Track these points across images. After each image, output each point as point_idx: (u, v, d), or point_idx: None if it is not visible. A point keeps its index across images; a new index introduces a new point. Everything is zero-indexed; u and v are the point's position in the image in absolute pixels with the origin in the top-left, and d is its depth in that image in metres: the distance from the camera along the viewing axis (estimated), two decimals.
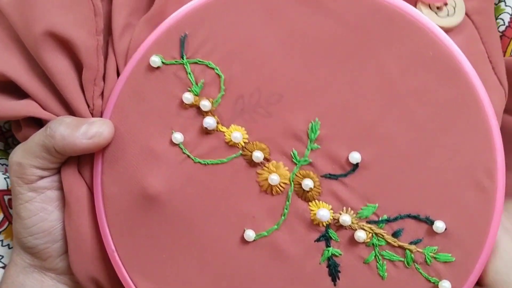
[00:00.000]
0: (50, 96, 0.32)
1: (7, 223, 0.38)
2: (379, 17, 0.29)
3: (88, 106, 0.32)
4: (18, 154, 0.31)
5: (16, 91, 0.33)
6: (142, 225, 0.31)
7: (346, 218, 0.29)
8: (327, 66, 0.29)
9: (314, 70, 0.30)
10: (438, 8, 0.29)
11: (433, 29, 0.29)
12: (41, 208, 0.31)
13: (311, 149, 0.30)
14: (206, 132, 0.30)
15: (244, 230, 0.30)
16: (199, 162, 0.30)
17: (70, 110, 0.32)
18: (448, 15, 0.29)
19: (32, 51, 0.31)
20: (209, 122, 0.30)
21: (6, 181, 0.38)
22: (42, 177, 0.31)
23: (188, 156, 0.30)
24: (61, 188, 0.32)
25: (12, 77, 0.32)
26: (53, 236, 0.32)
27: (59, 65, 0.31)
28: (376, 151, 0.29)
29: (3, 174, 0.38)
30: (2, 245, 0.37)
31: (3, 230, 0.37)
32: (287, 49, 0.30)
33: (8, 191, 0.37)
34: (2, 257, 0.37)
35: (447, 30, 0.29)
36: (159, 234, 0.30)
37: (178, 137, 0.30)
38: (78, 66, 0.32)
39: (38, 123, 0.34)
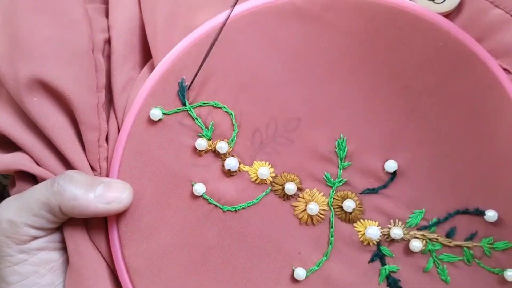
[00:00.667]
0: (44, 150, 0.29)
1: None
2: (380, 19, 0.28)
3: (94, 170, 0.29)
4: (10, 210, 0.27)
5: (10, 144, 0.29)
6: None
7: (397, 231, 0.27)
8: (339, 80, 0.28)
9: (326, 87, 0.28)
10: None
11: (436, 18, 0.28)
12: (32, 271, 0.27)
13: (343, 168, 0.28)
14: (228, 175, 0.28)
15: (293, 269, 0.28)
16: (229, 210, 0.28)
17: (69, 167, 0.29)
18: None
19: (20, 103, 0.28)
20: (231, 163, 0.28)
21: None
22: (36, 238, 0.27)
23: (216, 206, 0.28)
24: (56, 249, 0.28)
25: (3, 130, 0.28)
26: None
27: (53, 119, 0.28)
28: (409, 154, 0.28)
29: None
30: None
31: None
32: (294, 70, 0.28)
33: None
34: None
35: (447, 15, 0.29)
36: None
37: (199, 188, 0.28)
38: (75, 122, 0.29)
39: (34, 179, 0.30)
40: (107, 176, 0.29)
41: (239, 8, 0.28)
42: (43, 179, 0.28)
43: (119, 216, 0.28)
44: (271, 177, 0.28)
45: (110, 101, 0.30)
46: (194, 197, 0.28)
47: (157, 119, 0.28)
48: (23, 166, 0.28)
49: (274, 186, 0.28)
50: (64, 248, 0.29)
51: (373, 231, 0.27)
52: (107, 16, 0.31)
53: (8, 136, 0.28)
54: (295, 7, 0.28)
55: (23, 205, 0.27)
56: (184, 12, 0.29)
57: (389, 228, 0.28)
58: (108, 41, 0.30)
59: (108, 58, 0.30)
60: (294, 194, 0.28)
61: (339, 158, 0.28)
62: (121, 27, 0.29)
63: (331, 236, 0.28)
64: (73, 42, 0.28)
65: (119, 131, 0.29)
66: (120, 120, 0.29)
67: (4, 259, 0.27)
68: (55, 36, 0.28)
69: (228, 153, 0.28)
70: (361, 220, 0.28)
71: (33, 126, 0.29)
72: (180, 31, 0.29)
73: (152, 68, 0.29)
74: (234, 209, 0.28)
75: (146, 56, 0.30)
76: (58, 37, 0.28)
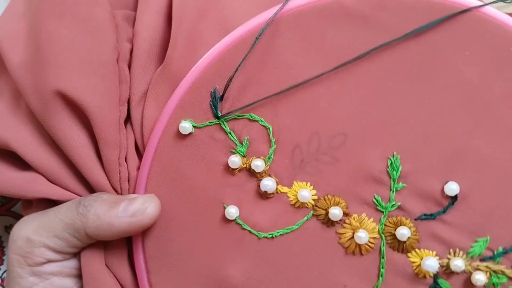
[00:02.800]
0: (63, 170, 0.27)
1: None
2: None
3: (116, 191, 0.26)
4: (29, 227, 0.25)
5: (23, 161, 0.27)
6: None
7: (459, 263, 0.24)
8: (393, 90, 0.25)
9: (377, 98, 0.25)
10: None
11: (505, 20, 0.24)
12: None
13: (396, 190, 0.25)
14: (265, 197, 0.25)
15: None
16: (265, 237, 0.25)
17: (90, 188, 0.27)
18: None
19: (39, 116, 0.26)
20: (268, 184, 0.24)
21: None
22: (50, 261, 0.25)
23: (250, 232, 0.25)
24: (71, 275, 0.26)
25: (16, 148, 0.26)
26: None
27: (72, 135, 0.26)
28: (472, 175, 0.24)
29: None
30: None
31: None
32: (340, 79, 0.25)
33: None
34: None
35: None
36: None
37: (232, 211, 0.25)
38: (94, 137, 0.26)
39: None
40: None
41: (278, 9, 0.25)
42: (64, 201, 0.26)
43: (146, 240, 0.26)
44: (313, 200, 0.25)
45: (128, 114, 0.27)
46: (226, 221, 0.25)
47: (187, 132, 0.25)
48: (40, 193, 0.26)
49: (316, 210, 0.25)
50: (79, 276, 0.27)
51: (431, 263, 0.24)
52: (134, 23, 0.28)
53: (24, 158, 0.26)
54: (343, 7, 0.25)
55: (46, 224, 0.25)
56: (216, 7, 0.27)
57: (449, 259, 0.24)
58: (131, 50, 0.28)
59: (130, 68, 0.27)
60: (339, 219, 0.25)
61: (391, 179, 0.24)
62: (144, 36, 0.27)
63: (382, 268, 0.24)
64: (95, 51, 0.26)
65: (136, 145, 0.27)
66: (137, 134, 0.27)
67: (14, 281, 0.25)
68: (76, 43, 0.26)
69: (265, 172, 0.25)
70: (416, 250, 0.24)
71: (54, 144, 0.26)
72: (210, 28, 0.26)
73: (164, 75, 0.26)
74: (270, 236, 0.25)
75: None
76: (80, 45, 0.26)
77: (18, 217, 0.35)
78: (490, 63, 0.24)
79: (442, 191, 0.24)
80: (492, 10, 0.24)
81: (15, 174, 0.27)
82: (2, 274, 0.35)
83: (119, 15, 0.28)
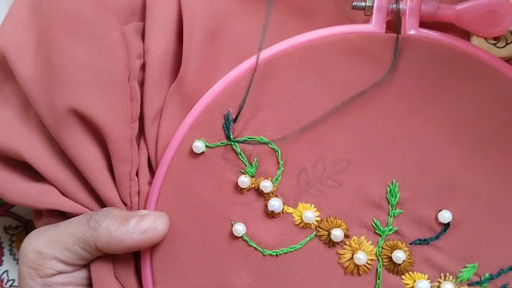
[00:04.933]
0: (74, 183, 0.27)
1: None
2: (440, 61, 0.26)
3: (125, 205, 0.27)
4: (40, 241, 0.26)
5: (35, 171, 0.28)
6: None
7: (448, 286, 0.25)
8: (394, 122, 0.26)
9: (378, 128, 0.26)
10: (494, 39, 0.27)
11: (497, 63, 0.26)
12: None
13: (394, 215, 0.26)
14: (271, 216, 0.26)
15: None
16: (270, 254, 0.26)
17: (100, 202, 0.27)
18: (507, 43, 0.27)
19: (53, 132, 0.27)
20: (275, 204, 0.26)
21: None
22: (60, 272, 0.26)
23: (256, 249, 0.26)
24: (80, 285, 0.27)
25: (28, 159, 0.27)
26: None
27: (85, 151, 0.26)
28: (464, 205, 0.26)
29: None
30: None
31: None
32: (346, 110, 0.26)
33: None
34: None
35: (509, 59, 0.27)
36: None
37: (239, 229, 0.26)
38: (107, 152, 0.27)
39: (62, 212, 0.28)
40: (144, 209, 0.27)
41: (291, 42, 0.27)
42: (74, 215, 0.27)
43: (153, 252, 0.27)
44: (316, 221, 0.26)
45: (140, 130, 0.28)
46: (233, 237, 0.26)
47: (200, 151, 0.26)
48: (52, 205, 0.27)
49: (319, 231, 0.26)
50: (88, 285, 0.27)
51: (423, 286, 0.25)
52: (143, 36, 0.29)
53: (36, 169, 0.27)
54: (351, 44, 0.26)
55: (56, 237, 0.26)
56: (225, 32, 0.28)
57: (439, 283, 0.26)
58: (143, 67, 0.28)
59: (142, 85, 0.28)
60: (340, 241, 0.26)
61: (390, 205, 0.26)
62: (156, 54, 0.28)
63: None
64: (109, 70, 0.27)
65: (149, 162, 0.28)
66: (151, 151, 0.28)
67: None
68: (91, 62, 0.27)
69: (272, 192, 0.26)
70: (410, 273, 0.26)
71: (65, 157, 0.27)
72: (222, 52, 0.28)
73: (178, 94, 0.27)
74: (275, 253, 0.26)
75: None
76: (94, 64, 0.27)
77: (17, 217, 0.36)
78: (482, 103, 0.26)
79: (436, 218, 0.26)
80: (487, 53, 0.27)
81: (28, 185, 0.28)
82: (2, 274, 0.35)
83: (129, 29, 0.29)
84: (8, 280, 0.35)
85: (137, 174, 0.27)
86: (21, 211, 0.36)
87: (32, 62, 0.27)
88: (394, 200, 0.26)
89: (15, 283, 0.34)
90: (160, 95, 0.27)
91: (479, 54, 0.26)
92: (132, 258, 0.27)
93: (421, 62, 0.26)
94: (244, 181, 0.26)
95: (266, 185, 0.26)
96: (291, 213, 0.26)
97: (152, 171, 0.28)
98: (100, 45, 0.27)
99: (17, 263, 0.31)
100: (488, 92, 0.26)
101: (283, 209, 0.26)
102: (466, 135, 0.26)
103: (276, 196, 0.26)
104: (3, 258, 0.35)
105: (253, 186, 0.26)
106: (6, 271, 0.35)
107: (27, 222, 0.36)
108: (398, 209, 0.26)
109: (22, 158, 0.27)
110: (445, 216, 0.26)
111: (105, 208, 0.26)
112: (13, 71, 0.27)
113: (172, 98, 0.27)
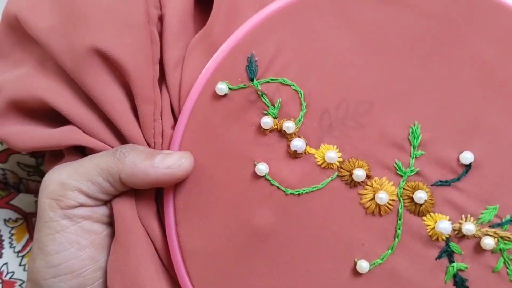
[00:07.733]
0: (98, 123, 0.28)
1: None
2: (463, 3, 0.26)
3: (149, 145, 0.27)
4: (62, 172, 0.26)
5: (57, 120, 0.28)
6: (236, 277, 0.26)
7: (470, 227, 0.26)
8: (415, 63, 0.27)
9: (402, 70, 0.27)
10: None
11: None
12: (73, 242, 0.26)
13: (416, 157, 0.26)
14: (293, 156, 0.27)
15: (356, 261, 0.26)
16: (292, 193, 0.26)
17: (124, 141, 0.28)
18: None
19: (75, 75, 0.27)
20: (298, 144, 0.26)
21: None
22: (82, 205, 0.26)
23: (278, 188, 0.26)
24: (100, 222, 0.27)
25: (51, 103, 0.27)
26: (81, 280, 0.26)
27: (109, 91, 0.27)
28: (486, 146, 0.26)
29: (35, 197, 0.32)
30: (24, 270, 0.32)
31: (26, 254, 0.31)
32: (368, 51, 0.27)
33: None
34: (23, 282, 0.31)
35: None
36: (259, 282, 0.26)
37: (262, 168, 0.26)
38: (130, 94, 0.27)
39: (83, 152, 0.29)
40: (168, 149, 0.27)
41: None
42: (98, 151, 0.27)
43: (176, 193, 0.27)
44: (338, 162, 0.26)
45: (161, 77, 0.29)
46: (256, 177, 0.27)
47: (222, 93, 0.27)
48: (77, 141, 0.27)
49: (341, 171, 0.26)
50: (108, 223, 0.28)
51: (444, 226, 0.26)
52: None
53: (60, 111, 0.27)
54: None
55: (80, 169, 0.26)
56: None
57: (461, 224, 0.26)
58: (160, 19, 0.29)
59: (160, 35, 0.29)
60: (362, 181, 0.26)
61: (412, 146, 0.26)
62: (175, 7, 0.28)
63: (399, 229, 0.26)
64: (130, 14, 0.27)
65: (172, 108, 0.28)
66: (174, 97, 0.28)
67: (45, 226, 0.26)
68: (112, 7, 0.27)
69: (294, 133, 0.27)
70: (431, 214, 0.26)
71: (87, 99, 0.28)
72: (246, 1, 0.28)
73: (202, 42, 0.27)
74: (297, 192, 0.26)
75: None
76: (115, 8, 0.27)
77: (17, 210, 0.36)
78: (504, 45, 0.26)
79: (458, 159, 0.26)
80: None
81: (51, 130, 0.28)
82: (2, 266, 0.35)
83: None
84: (7, 273, 0.35)
85: (161, 117, 0.28)
86: (21, 203, 0.36)
87: (48, 14, 0.28)
88: (416, 141, 0.26)
89: (15, 276, 0.34)
90: (179, 44, 0.28)
91: None
92: (154, 199, 0.28)
93: (443, 4, 0.26)
94: (267, 122, 0.26)
95: (289, 125, 0.26)
96: (313, 154, 0.27)
97: (175, 117, 0.28)
98: None
99: (17, 256, 0.32)
100: (510, 34, 0.26)
101: (305, 149, 0.27)
102: (488, 78, 0.26)
103: (299, 137, 0.27)
104: (3, 250, 0.35)
105: (275, 127, 0.27)
106: (6, 263, 0.35)
107: (27, 215, 0.36)
108: (420, 151, 0.26)
109: (46, 103, 0.28)
110: (467, 157, 0.26)
111: (130, 144, 0.27)
112: (28, 28, 0.28)
113: (197, 46, 0.28)
